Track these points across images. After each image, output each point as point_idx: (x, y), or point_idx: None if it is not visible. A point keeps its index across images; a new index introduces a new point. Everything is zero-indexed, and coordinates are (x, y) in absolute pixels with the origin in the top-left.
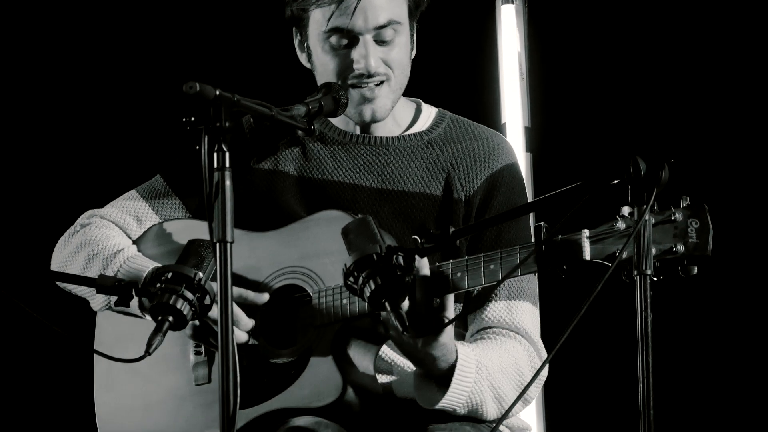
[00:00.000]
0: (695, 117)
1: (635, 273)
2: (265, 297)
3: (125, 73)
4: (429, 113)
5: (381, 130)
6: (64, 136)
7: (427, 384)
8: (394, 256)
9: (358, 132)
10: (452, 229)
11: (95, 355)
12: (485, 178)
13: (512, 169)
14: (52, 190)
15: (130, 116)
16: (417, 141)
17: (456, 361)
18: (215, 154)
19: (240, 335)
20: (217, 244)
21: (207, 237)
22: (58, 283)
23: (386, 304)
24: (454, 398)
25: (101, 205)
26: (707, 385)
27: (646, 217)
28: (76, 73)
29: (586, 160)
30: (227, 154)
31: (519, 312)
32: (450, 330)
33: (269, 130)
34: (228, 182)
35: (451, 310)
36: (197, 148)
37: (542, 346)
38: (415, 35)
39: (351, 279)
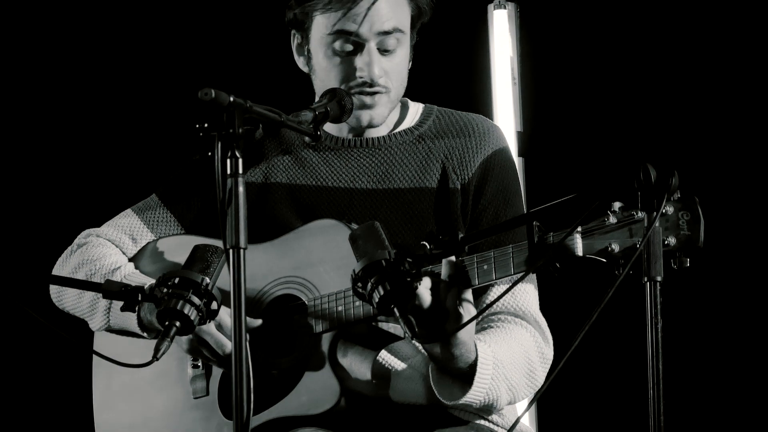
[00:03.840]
0: (685, 115)
1: (645, 279)
2: (258, 322)
3: (124, 93)
4: (416, 109)
5: (372, 132)
6: (65, 154)
7: (444, 380)
8: (403, 262)
9: (350, 136)
10: (461, 236)
11: (93, 375)
12: (478, 164)
13: (504, 153)
14: (53, 205)
15: (129, 135)
16: (408, 137)
17: (476, 360)
18: (228, 161)
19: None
20: (230, 250)
21: None
22: (57, 304)
23: (395, 309)
24: (473, 396)
25: (100, 222)
26: (714, 388)
27: (656, 225)
28: (77, 92)
29: (578, 164)
30: (240, 161)
31: (523, 295)
32: (471, 328)
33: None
34: (241, 188)
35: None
36: (209, 154)
37: (545, 325)
38: (412, 47)
39: (359, 285)
